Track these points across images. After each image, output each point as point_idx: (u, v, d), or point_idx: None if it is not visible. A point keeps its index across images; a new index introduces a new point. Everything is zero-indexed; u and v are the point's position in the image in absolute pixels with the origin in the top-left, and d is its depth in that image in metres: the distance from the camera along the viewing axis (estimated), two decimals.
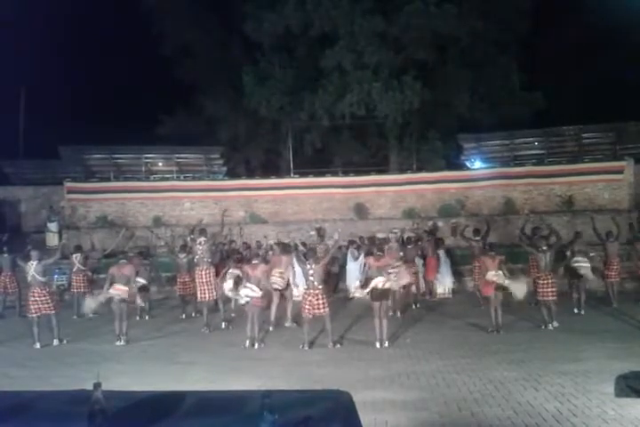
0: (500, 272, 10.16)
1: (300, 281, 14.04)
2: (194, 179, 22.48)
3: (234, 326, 11.37)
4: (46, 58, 25.77)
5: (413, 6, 20.94)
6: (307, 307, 9.39)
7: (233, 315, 12.05)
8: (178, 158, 22.82)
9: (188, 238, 13.16)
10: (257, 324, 9.81)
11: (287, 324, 11.19)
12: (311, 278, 9.44)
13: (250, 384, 6.61)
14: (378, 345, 9.36)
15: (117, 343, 10.13)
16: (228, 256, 13.18)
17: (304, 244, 13.78)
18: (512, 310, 11.23)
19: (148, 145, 22.44)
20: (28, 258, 10.47)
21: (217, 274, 11.61)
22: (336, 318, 10.29)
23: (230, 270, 11.47)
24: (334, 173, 23.02)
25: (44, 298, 10.14)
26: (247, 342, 9.64)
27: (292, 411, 2.45)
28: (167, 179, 22.50)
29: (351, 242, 15.56)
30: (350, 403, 2.80)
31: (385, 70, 21.53)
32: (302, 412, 2.47)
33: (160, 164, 23.36)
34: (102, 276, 14.32)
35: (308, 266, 9.50)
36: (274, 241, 14.11)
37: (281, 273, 11.12)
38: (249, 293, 9.69)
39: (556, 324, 10.22)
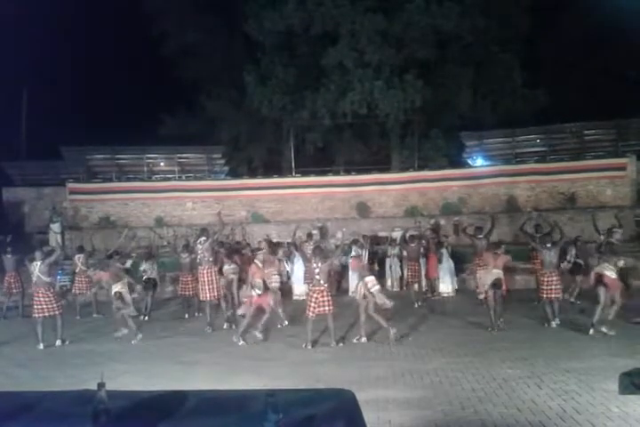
0: (499, 271, 10.22)
1: (298, 280, 14.15)
2: (196, 179, 22.53)
3: (237, 326, 11.38)
4: (48, 58, 25.83)
5: (415, 4, 20.97)
6: (312, 305, 9.39)
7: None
8: (180, 158, 22.87)
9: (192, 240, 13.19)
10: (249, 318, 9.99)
11: (279, 325, 11.00)
12: (317, 277, 9.45)
13: (253, 384, 6.62)
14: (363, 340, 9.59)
15: (116, 334, 10.39)
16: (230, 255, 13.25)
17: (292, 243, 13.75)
18: (514, 308, 11.24)
19: (149, 145, 22.49)
20: (32, 259, 10.49)
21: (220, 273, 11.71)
22: (339, 316, 10.29)
23: (230, 266, 11.55)
24: (336, 172, 23.05)
25: (48, 299, 10.15)
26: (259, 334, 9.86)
27: (295, 410, 2.45)
28: (169, 179, 22.57)
29: (355, 241, 15.53)
30: (354, 402, 2.79)
31: (386, 69, 21.54)
32: (306, 411, 2.47)
33: (162, 164, 23.40)
34: None
35: (314, 264, 9.51)
36: (263, 240, 14.16)
37: (274, 273, 11.21)
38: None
39: (558, 321, 10.21)
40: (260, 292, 9.90)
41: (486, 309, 10.39)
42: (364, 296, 9.66)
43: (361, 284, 9.78)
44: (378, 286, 9.75)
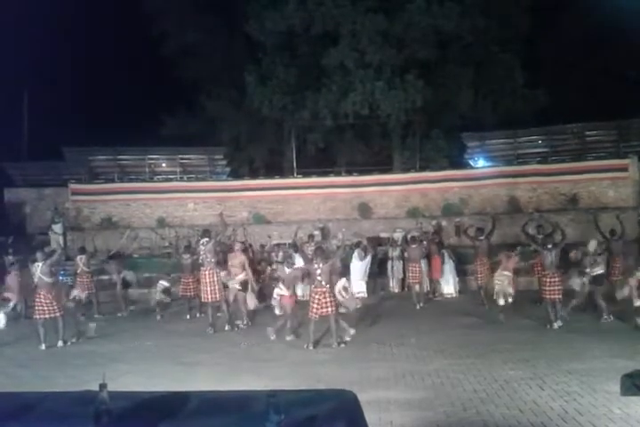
0: (508, 273, 10.34)
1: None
2: (197, 179, 22.54)
3: (238, 327, 11.39)
4: (48, 58, 25.86)
5: (415, 5, 20.99)
6: (314, 306, 9.40)
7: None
8: (181, 159, 22.88)
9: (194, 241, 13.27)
10: (293, 318, 10.25)
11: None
12: (318, 278, 9.45)
13: (254, 384, 6.60)
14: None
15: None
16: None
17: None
18: (515, 309, 11.23)
19: (151, 146, 22.49)
20: (34, 260, 10.50)
21: None
22: (339, 317, 10.27)
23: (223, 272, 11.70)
24: (338, 173, 23.04)
25: (49, 301, 10.15)
26: (292, 335, 10.10)
27: (296, 411, 2.44)
28: (171, 180, 22.59)
29: (358, 244, 15.51)
30: (355, 402, 2.78)
31: (387, 69, 21.55)
32: (307, 411, 2.46)
33: (164, 164, 23.42)
34: (106, 277, 14.44)
35: (315, 265, 9.52)
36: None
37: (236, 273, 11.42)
38: (277, 291, 10.36)
39: (560, 323, 10.20)
40: (289, 292, 10.22)
41: (489, 308, 10.42)
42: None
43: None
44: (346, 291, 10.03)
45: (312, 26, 22.01)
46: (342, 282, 9.91)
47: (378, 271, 15.54)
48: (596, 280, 10.87)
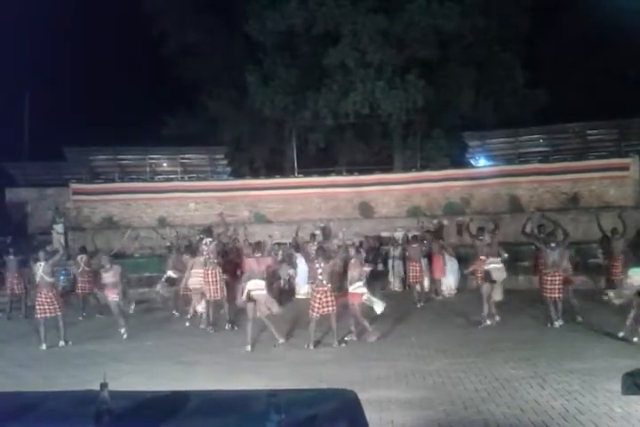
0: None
1: (302, 279, 14.18)
2: (198, 179, 22.53)
3: (239, 326, 11.39)
4: (48, 59, 25.88)
5: (416, 4, 20.96)
6: (315, 305, 9.40)
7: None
8: (182, 159, 22.87)
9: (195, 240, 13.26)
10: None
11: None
12: (320, 277, 9.45)
13: (255, 384, 6.60)
14: (249, 348, 9.33)
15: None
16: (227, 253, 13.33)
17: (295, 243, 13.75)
18: (517, 308, 11.25)
19: (152, 146, 22.48)
20: (36, 259, 10.52)
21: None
22: (340, 317, 10.28)
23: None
24: (338, 173, 23.02)
25: (50, 300, 10.17)
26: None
27: (297, 410, 2.44)
28: (172, 179, 22.58)
29: (361, 243, 15.53)
30: (356, 402, 2.79)
31: (388, 69, 21.53)
32: (308, 411, 2.47)
33: (164, 164, 23.42)
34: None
35: (317, 264, 9.52)
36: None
37: (198, 273, 11.39)
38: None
39: (561, 322, 10.19)
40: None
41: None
42: (250, 299, 9.60)
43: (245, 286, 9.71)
44: (262, 292, 9.67)
45: (313, 26, 21.99)
46: (254, 282, 9.71)
47: (378, 271, 15.55)
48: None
